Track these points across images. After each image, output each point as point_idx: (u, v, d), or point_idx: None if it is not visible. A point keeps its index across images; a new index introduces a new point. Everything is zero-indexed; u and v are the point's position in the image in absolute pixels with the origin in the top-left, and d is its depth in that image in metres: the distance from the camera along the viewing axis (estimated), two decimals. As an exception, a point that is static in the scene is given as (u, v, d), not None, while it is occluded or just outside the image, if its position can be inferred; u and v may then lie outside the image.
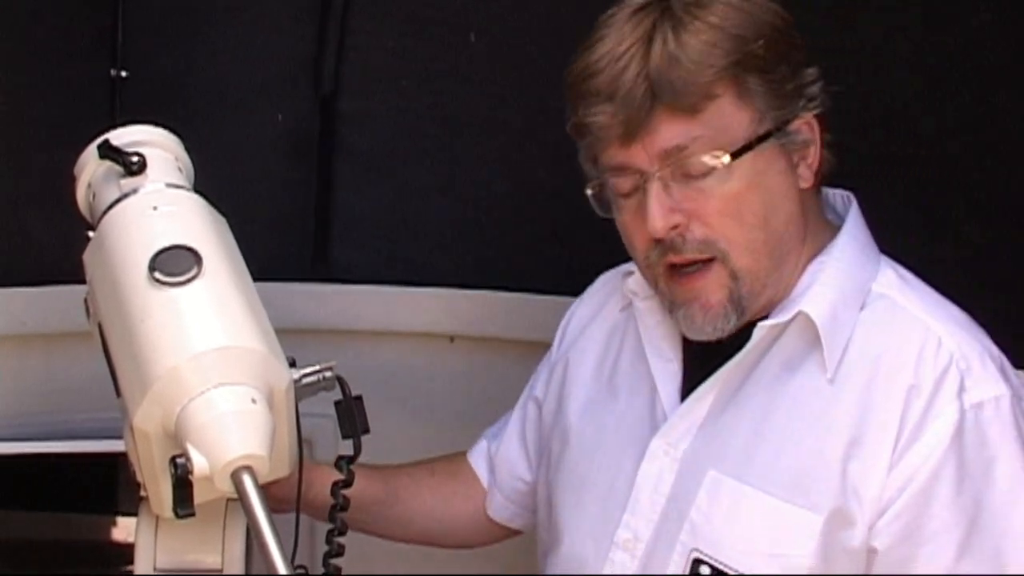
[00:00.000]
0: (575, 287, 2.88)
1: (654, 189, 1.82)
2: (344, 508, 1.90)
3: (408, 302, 2.93)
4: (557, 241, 2.89)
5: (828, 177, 1.93)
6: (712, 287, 1.86)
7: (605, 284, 2.23)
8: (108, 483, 2.87)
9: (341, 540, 1.90)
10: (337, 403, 1.77)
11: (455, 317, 2.93)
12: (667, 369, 2.00)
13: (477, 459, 2.33)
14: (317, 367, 1.71)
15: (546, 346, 2.80)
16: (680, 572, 1.88)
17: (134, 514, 1.81)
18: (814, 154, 1.88)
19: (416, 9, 2.90)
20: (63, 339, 2.63)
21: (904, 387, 1.80)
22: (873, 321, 1.87)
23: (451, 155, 2.95)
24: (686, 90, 1.78)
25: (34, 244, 2.70)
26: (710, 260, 1.85)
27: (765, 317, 1.89)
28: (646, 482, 1.95)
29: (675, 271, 1.87)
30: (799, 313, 1.86)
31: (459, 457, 2.35)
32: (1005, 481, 1.78)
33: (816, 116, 1.88)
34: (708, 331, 1.88)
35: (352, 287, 2.94)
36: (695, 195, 1.82)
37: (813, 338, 1.86)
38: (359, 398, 1.78)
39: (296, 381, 1.67)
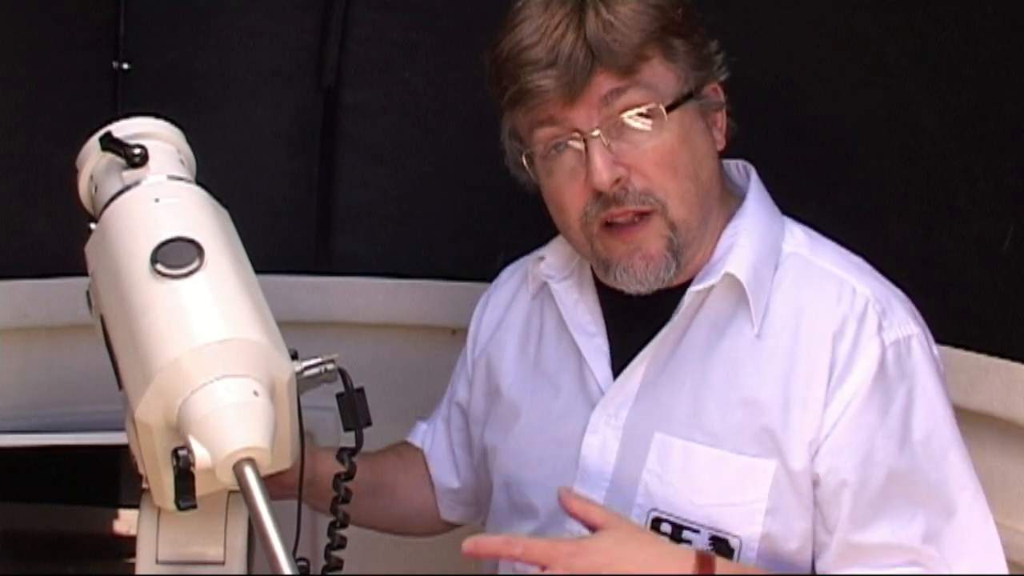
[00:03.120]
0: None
1: (596, 145, 1.94)
2: (346, 500, 1.90)
3: (410, 294, 2.93)
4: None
5: (732, 145, 2.06)
6: (652, 236, 1.97)
7: (511, 275, 2.33)
8: (110, 475, 2.87)
9: (343, 532, 1.90)
10: (339, 395, 1.77)
11: (457, 309, 2.92)
12: (593, 344, 2.10)
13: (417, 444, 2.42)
14: (319, 359, 1.71)
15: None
16: None
17: (136, 506, 1.81)
18: (723, 119, 2.05)
19: (420, 0, 2.90)
20: (66, 331, 2.63)
21: (828, 334, 1.95)
22: (789, 279, 2.01)
23: (454, 147, 2.95)
24: (622, 51, 1.92)
25: (37, 236, 2.70)
26: (649, 213, 1.96)
27: (687, 284, 2.00)
28: (591, 452, 2.04)
29: (613, 228, 1.98)
30: (726, 275, 1.98)
31: (408, 446, 2.42)
32: (926, 405, 1.94)
33: (720, 84, 2.03)
34: (651, 280, 1.99)
35: (354, 279, 2.94)
36: (632, 149, 1.95)
37: (737, 298, 2.00)
38: (361, 390, 1.78)
39: (298, 373, 1.67)
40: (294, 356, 1.68)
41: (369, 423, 1.78)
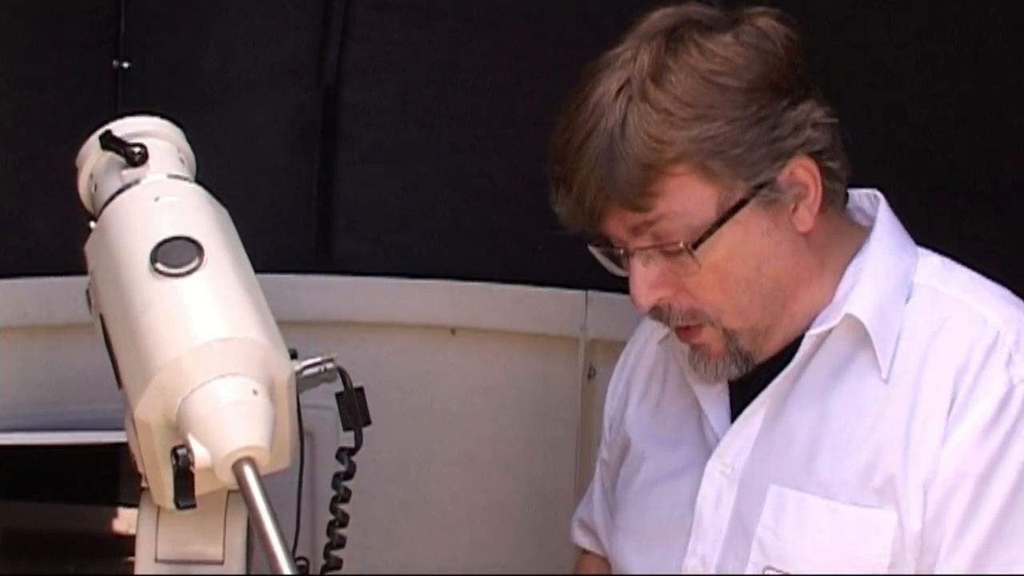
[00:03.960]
0: (578, 280, 2.89)
1: (635, 264, 1.81)
2: (345, 499, 1.90)
3: (410, 294, 2.93)
4: (561, 233, 2.88)
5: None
6: (709, 340, 1.86)
7: (648, 322, 2.14)
8: (110, 474, 2.87)
9: (342, 532, 1.90)
10: (338, 395, 1.77)
11: (457, 309, 2.93)
12: (711, 392, 1.96)
13: (578, 537, 2.28)
14: (319, 359, 1.70)
15: (548, 339, 2.81)
16: None
17: (135, 505, 1.81)
18: (815, 194, 1.81)
19: (420, 0, 2.90)
20: (66, 330, 2.63)
21: (953, 369, 1.78)
22: (919, 312, 1.84)
23: (455, 147, 2.95)
24: (632, 192, 1.75)
25: (37, 235, 2.70)
26: (699, 325, 1.84)
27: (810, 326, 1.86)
28: (706, 504, 1.92)
29: None
30: (845, 316, 1.83)
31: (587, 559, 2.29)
32: None
33: (812, 154, 1.80)
34: (721, 376, 1.88)
35: (354, 279, 2.94)
36: (676, 268, 1.80)
37: (859, 339, 1.84)
38: (360, 390, 1.77)
39: (297, 372, 1.67)
40: (294, 355, 1.67)
41: (368, 422, 1.78)
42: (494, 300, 2.90)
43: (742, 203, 1.77)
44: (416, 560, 2.83)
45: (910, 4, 2.44)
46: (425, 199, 2.98)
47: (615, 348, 2.64)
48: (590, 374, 2.92)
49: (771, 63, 1.78)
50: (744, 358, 1.86)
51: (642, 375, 2.13)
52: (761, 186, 1.77)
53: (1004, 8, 2.35)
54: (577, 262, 2.73)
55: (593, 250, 1.88)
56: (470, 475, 2.99)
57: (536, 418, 2.97)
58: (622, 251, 1.82)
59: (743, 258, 1.80)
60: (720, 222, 1.76)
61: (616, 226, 1.80)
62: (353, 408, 1.77)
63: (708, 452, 1.95)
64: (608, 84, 1.77)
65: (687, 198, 1.76)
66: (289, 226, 2.98)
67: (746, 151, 1.75)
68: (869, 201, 1.97)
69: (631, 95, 1.75)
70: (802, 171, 1.79)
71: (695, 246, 1.76)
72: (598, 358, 2.91)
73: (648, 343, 2.14)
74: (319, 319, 2.84)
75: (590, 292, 2.87)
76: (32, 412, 2.69)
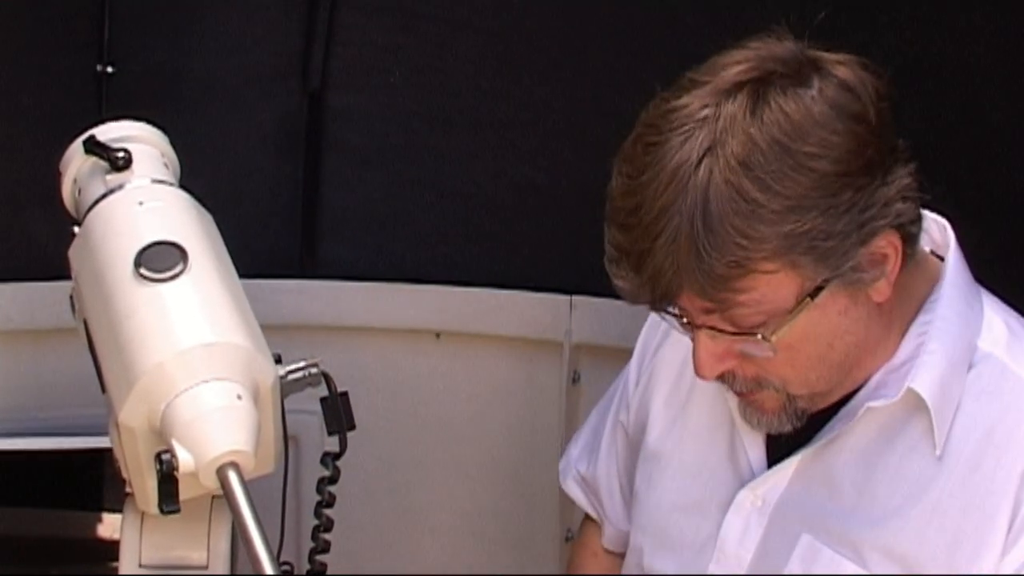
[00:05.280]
0: (563, 284, 2.89)
1: (701, 337, 1.68)
2: (330, 504, 1.90)
3: (395, 298, 2.93)
4: (545, 238, 2.89)
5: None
6: (767, 399, 1.76)
7: None
8: (94, 479, 2.87)
9: (327, 536, 1.90)
10: (323, 399, 1.77)
11: (442, 313, 2.93)
12: None
13: (571, 488, 2.19)
14: (303, 363, 1.70)
15: (532, 343, 2.81)
16: None
17: (120, 510, 1.80)
18: (895, 265, 1.67)
19: (405, 4, 2.90)
20: (50, 335, 2.62)
21: (1019, 470, 1.68)
22: (982, 388, 1.72)
23: (439, 151, 2.95)
24: (714, 287, 1.60)
25: (19, 240, 2.70)
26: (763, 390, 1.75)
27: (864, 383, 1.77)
28: (731, 534, 1.85)
29: None
30: (908, 390, 1.71)
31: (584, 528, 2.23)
32: None
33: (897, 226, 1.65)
34: (773, 428, 1.79)
35: (338, 283, 2.94)
36: (746, 347, 1.68)
37: (917, 406, 1.72)
38: (345, 394, 1.77)
39: (282, 377, 1.67)
40: (278, 360, 1.67)
41: (353, 427, 1.78)
42: (479, 304, 2.90)
43: (823, 286, 1.63)
44: (401, 563, 2.83)
45: (894, 8, 2.45)
46: (410, 203, 2.98)
47: (599, 353, 2.66)
48: (574, 378, 2.92)
49: (863, 137, 1.61)
50: (799, 417, 1.76)
51: (672, 360, 1.99)
52: (851, 262, 1.62)
53: (986, 14, 2.36)
54: (562, 266, 2.74)
55: (656, 314, 1.75)
56: (455, 479, 2.99)
57: (520, 422, 2.97)
58: (687, 322, 1.69)
59: (817, 337, 1.68)
60: (799, 309, 1.64)
61: (687, 303, 1.66)
62: (338, 412, 1.77)
63: (737, 473, 1.88)
64: (684, 152, 1.59)
65: (770, 290, 1.62)
66: (274, 230, 2.98)
67: (838, 243, 1.60)
68: (936, 227, 1.83)
69: (712, 170, 1.58)
70: (886, 244, 1.65)
71: (777, 328, 1.64)
72: (582, 362, 2.91)
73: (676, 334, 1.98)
74: (304, 323, 2.84)
75: (575, 297, 2.87)
76: (15, 417, 2.69)
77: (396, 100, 2.94)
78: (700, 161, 1.58)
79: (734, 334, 1.65)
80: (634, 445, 2.05)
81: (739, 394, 1.78)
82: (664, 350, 2.01)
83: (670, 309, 1.69)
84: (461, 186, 2.94)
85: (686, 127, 1.60)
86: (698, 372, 1.71)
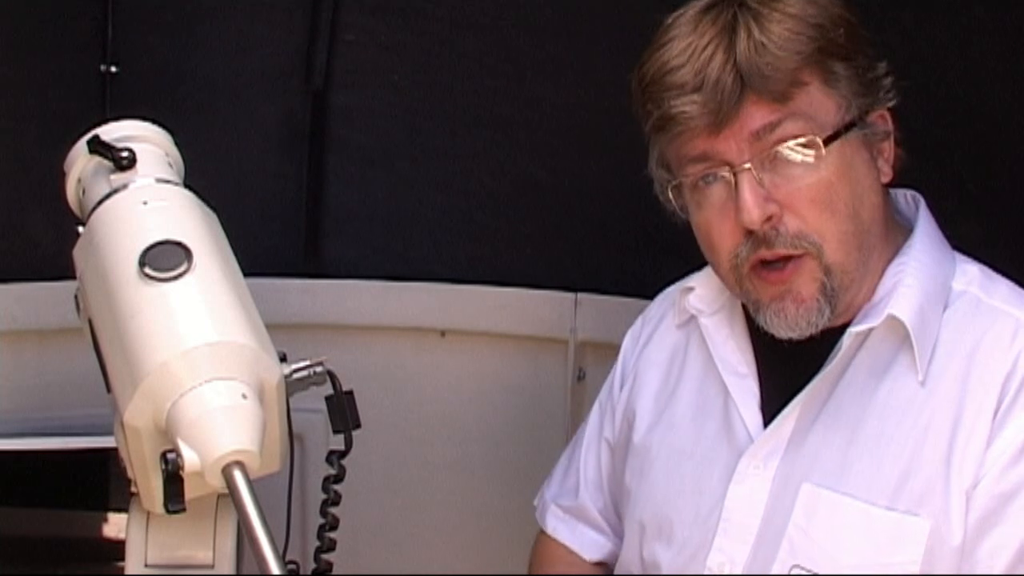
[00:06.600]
0: (567, 282, 2.89)
1: (747, 179, 1.81)
2: (335, 503, 1.90)
3: (399, 297, 2.94)
4: (549, 235, 2.89)
5: (899, 175, 1.92)
6: (804, 280, 1.84)
7: (660, 304, 2.18)
8: (99, 479, 2.86)
9: (332, 535, 1.90)
10: (328, 398, 1.77)
11: (446, 312, 2.93)
12: (743, 385, 1.96)
13: (557, 531, 2.23)
14: (308, 362, 1.70)
15: (537, 341, 2.81)
16: None
17: (125, 510, 1.80)
18: (890, 148, 1.89)
19: (408, 3, 2.90)
20: (55, 335, 2.63)
21: (1000, 375, 1.80)
22: (959, 319, 1.86)
23: (443, 149, 2.95)
24: (775, 76, 1.79)
25: (25, 240, 2.70)
26: (802, 255, 1.83)
27: (845, 324, 1.87)
28: (737, 504, 1.90)
29: (763, 267, 1.85)
30: (888, 316, 1.84)
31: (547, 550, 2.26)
32: None
33: (888, 110, 1.89)
34: (802, 326, 1.85)
35: (343, 282, 2.94)
36: (787, 184, 1.82)
37: (899, 341, 1.85)
38: (350, 393, 1.77)
39: (287, 376, 1.67)
40: (283, 359, 1.67)
41: (358, 425, 1.78)
42: (483, 302, 2.90)
43: (853, 123, 1.83)
44: (406, 562, 2.83)
45: (898, 4, 2.45)
46: (414, 202, 2.98)
47: (604, 350, 2.65)
48: (579, 376, 2.92)
49: (853, 14, 1.87)
50: (832, 304, 1.84)
51: (658, 359, 2.10)
52: (866, 112, 1.85)
53: (988, 9, 2.36)
54: (566, 264, 2.74)
55: (684, 179, 1.88)
56: (460, 477, 3.00)
57: (525, 420, 2.97)
58: (729, 173, 1.83)
59: (850, 181, 1.83)
60: (838, 133, 1.82)
61: (739, 131, 1.81)
62: (343, 411, 1.77)
63: (734, 445, 1.93)
64: (714, 10, 1.85)
65: (817, 100, 1.82)
66: (278, 230, 2.98)
67: (861, 69, 1.84)
68: (906, 202, 1.99)
69: (748, 4, 1.83)
70: (884, 120, 1.88)
71: (826, 143, 1.80)
72: (587, 360, 2.92)
73: (662, 326, 2.13)
74: (308, 322, 2.84)
75: (579, 294, 2.87)
76: (21, 417, 2.69)
77: (399, 99, 2.95)
78: (735, 11, 1.83)
79: (790, 145, 1.80)
80: (619, 453, 2.12)
81: (774, 276, 1.84)
82: (648, 351, 2.11)
83: (713, 170, 1.84)
84: (465, 184, 2.95)
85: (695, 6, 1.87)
86: (745, 215, 1.80)
